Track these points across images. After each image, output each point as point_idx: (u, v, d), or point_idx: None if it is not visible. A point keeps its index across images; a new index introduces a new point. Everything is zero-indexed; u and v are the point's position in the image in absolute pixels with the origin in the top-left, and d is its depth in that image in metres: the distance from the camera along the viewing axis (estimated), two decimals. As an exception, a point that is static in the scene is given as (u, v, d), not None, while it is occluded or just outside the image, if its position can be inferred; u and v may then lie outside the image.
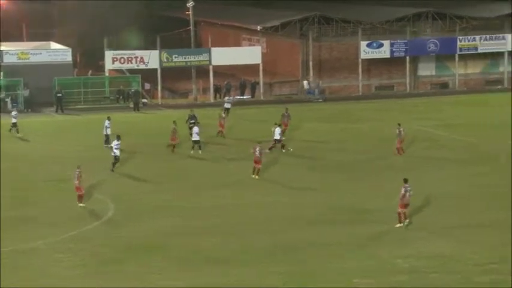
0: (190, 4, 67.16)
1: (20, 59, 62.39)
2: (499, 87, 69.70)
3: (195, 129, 44.38)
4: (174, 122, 45.76)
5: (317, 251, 27.27)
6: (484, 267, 25.25)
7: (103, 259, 26.88)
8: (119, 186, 37.31)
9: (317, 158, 42.64)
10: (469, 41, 68.79)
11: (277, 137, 43.65)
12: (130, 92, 63.10)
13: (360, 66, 66.89)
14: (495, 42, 69.15)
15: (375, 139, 47.53)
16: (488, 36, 69.15)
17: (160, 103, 64.25)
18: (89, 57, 73.80)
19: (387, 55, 67.57)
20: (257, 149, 37.72)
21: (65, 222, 31.15)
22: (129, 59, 63.98)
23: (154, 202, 34.37)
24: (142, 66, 64.43)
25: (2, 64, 61.66)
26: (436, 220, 30.53)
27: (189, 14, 68.30)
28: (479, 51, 69.15)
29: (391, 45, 67.42)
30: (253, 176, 37.81)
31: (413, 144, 45.17)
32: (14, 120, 50.16)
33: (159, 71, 64.46)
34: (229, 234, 29.55)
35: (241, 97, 65.68)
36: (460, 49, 68.67)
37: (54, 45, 68.42)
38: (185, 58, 65.46)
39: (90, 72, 69.93)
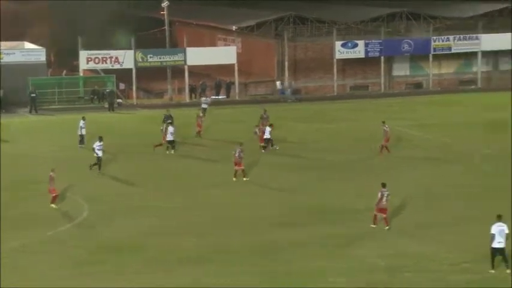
0: (165, 4, 66.97)
1: (-7, 59, 61.88)
2: (473, 87, 70.27)
3: (170, 129, 44.29)
4: (164, 120, 45.70)
5: (293, 251, 27.31)
6: (458, 267, 25.42)
7: (77, 260, 26.70)
8: (95, 187, 37.09)
9: (295, 158, 42.66)
10: (443, 41, 69.28)
11: (267, 136, 43.72)
12: (105, 92, 62.79)
13: (335, 66, 67.10)
14: (469, 43, 69.70)
15: (351, 139, 47.71)
16: (462, 36, 69.68)
17: (135, 103, 64.00)
18: (63, 57, 73.30)
19: (362, 55, 67.85)
20: (237, 150, 37.57)
21: (39, 224, 30.91)
22: (104, 59, 63.68)
23: (131, 203, 34.22)
24: (117, 66, 64.15)
25: (-25, 64, 61.16)
26: (412, 219, 30.71)
27: (164, 14, 68.10)
28: (453, 51, 69.66)
29: (366, 45, 67.71)
30: (234, 178, 37.42)
31: (388, 144, 45.37)
32: (-13, 121, 49.76)
33: (134, 71, 64.20)
34: (206, 234, 29.51)
35: (217, 97, 65.61)
36: (434, 49, 69.13)
37: (28, 45, 67.90)
38: (160, 58, 65.27)
39: (64, 72, 69.51)
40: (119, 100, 63.67)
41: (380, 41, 67.99)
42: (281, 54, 67.64)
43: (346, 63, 68.43)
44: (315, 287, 24.19)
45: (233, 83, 66.60)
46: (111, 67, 64.14)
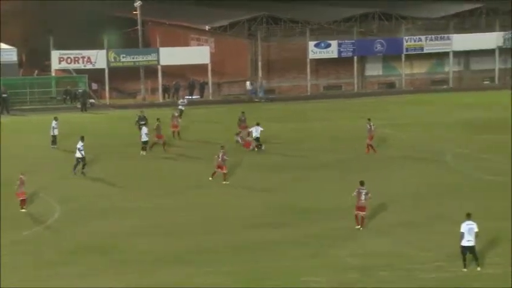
0: (137, 4, 66.74)
1: (-37, 59, 61.28)
2: (445, 86, 70.83)
3: (144, 129, 44.13)
4: (158, 119, 45.54)
5: (266, 251, 27.34)
6: (431, 265, 25.60)
7: (47, 262, 26.50)
8: (68, 187, 36.83)
9: (274, 158, 42.66)
10: (415, 41, 69.74)
11: (257, 134, 43.87)
12: (78, 92, 62.43)
13: (308, 66, 67.29)
14: (440, 43, 70.24)
15: (326, 138, 47.81)
16: (433, 36, 70.20)
17: (108, 103, 63.69)
18: (34, 57, 72.74)
19: (335, 55, 68.11)
20: (220, 154, 37.30)
21: (11, 226, 30.61)
22: (76, 58, 63.32)
23: (108, 203, 34.01)
24: (89, 66, 63.82)
25: None
26: (385, 219, 30.85)
27: (136, 14, 67.85)
28: (425, 51, 70.17)
29: (339, 45, 67.99)
30: (210, 178, 37.08)
31: (362, 143, 45.58)
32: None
33: (106, 71, 63.89)
34: (178, 234, 29.43)
35: (190, 97, 65.53)
36: (407, 49, 69.57)
37: (-1, 45, 67.37)
38: (133, 58, 65.03)
39: (36, 72, 68.96)
40: (92, 100, 63.33)
41: (353, 41, 68.30)
42: (254, 54, 67.71)
43: (319, 63, 68.65)
44: (288, 286, 24.23)
45: (207, 83, 66.52)
46: (83, 67, 63.78)
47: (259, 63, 67.20)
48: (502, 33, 70.82)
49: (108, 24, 76.79)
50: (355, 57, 68.62)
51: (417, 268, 25.33)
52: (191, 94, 66.48)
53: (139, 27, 67.90)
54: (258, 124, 44.69)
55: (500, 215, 30.72)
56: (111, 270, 25.77)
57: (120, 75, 67.44)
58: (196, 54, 67.33)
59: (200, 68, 66.53)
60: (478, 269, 24.87)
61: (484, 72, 72.65)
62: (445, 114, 56.01)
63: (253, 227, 30.13)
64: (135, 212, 32.66)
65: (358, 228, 29.17)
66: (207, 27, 70.19)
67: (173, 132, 47.85)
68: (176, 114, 49.00)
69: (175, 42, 72.67)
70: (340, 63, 69.10)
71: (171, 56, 65.16)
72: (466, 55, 72.28)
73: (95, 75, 65.20)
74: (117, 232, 29.78)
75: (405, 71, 70.36)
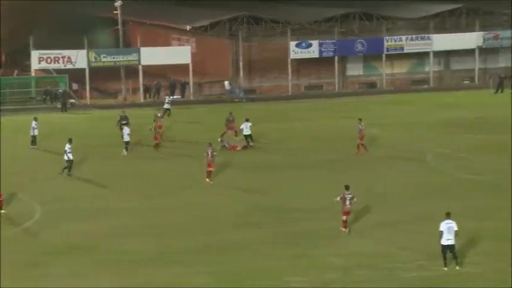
0: (118, 3, 66.52)
1: None
2: (425, 86, 71.17)
3: (126, 129, 43.97)
4: (155, 119, 45.54)
5: (250, 251, 27.34)
6: (412, 264, 25.70)
7: (26, 262, 26.32)
8: (49, 188, 36.61)
9: (256, 158, 42.64)
10: (395, 41, 70.01)
11: (247, 131, 43.94)
12: (58, 92, 62.11)
13: (290, 66, 67.37)
14: (421, 43, 70.57)
15: (308, 138, 47.83)
16: (414, 36, 70.51)
17: (88, 103, 63.43)
18: (14, 57, 72.27)
19: (316, 55, 68.24)
20: (209, 151, 37.18)
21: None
22: (56, 58, 63.02)
23: (86, 204, 33.85)
24: (69, 66, 63.54)
25: None
26: (367, 219, 30.91)
27: (117, 14, 67.62)
28: (406, 51, 70.45)
29: (320, 45, 68.12)
30: (208, 180, 36.79)
31: (344, 143, 45.76)
32: None
33: (87, 71, 63.62)
34: (160, 235, 29.34)
35: (172, 97, 65.33)
36: (387, 49, 69.82)
37: (-22, 45, 66.91)
38: (114, 58, 64.81)
39: (16, 72, 68.51)
40: (72, 100, 63.04)
41: (334, 41, 68.46)
42: (235, 54, 67.70)
43: (300, 63, 68.74)
44: (270, 286, 24.23)
45: (188, 83, 66.44)
46: (63, 67, 63.47)
47: (241, 63, 67.19)
48: (481, 33, 71.29)
49: (88, 24, 76.50)
50: (336, 57, 68.78)
51: (398, 267, 25.42)
52: (172, 94, 66.28)
53: (119, 27, 67.68)
54: (247, 120, 44.63)
55: (481, 214, 30.93)
56: (93, 270, 25.64)
57: (101, 75, 67.17)
58: (177, 54, 67.22)
59: (181, 68, 66.41)
60: (457, 268, 25.00)
61: (464, 72, 73.08)
62: (425, 114, 56.27)
63: (238, 227, 30.09)
64: (118, 213, 32.51)
65: (346, 232, 28.91)
66: (188, 27, 70.08)
67: (158, 133, 47.52)
68: (159, 114, 48.72)
69: (156, 42, 72.49)
70: (321, 63, 69.23)
71: (152, 55, 65.01)
72: (446, 55, 72.67)
73: (76, 75, 64.90)
74: (101, 233, 29.65)
75: (386, 70, 70.62)
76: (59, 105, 60.86)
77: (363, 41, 69.53)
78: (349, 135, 47.45)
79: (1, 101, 61.25)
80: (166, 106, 55.06)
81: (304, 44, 67.86)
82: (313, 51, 67.96)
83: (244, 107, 60.98)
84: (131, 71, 65.88)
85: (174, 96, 65.78)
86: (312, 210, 32.07)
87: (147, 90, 65.98)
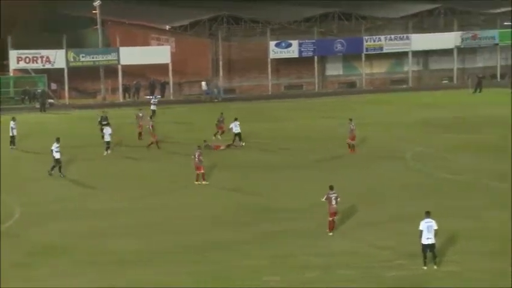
0: (97, 3, 66.25)
1: None
2: (404, 86, 71.52)
3: (108, 130, 43.84)
4: (151, 117, 45.43)
5: (229, 250, 27.33)
6: (392, 263, 25.80)
7: (6, 263, 26.16)
8: (28, 189, 36.39)
9: (245, 157, 42.62)
10: (374, 41, 70.31)
11: (237, 130, 44.17)
12: (37, 92, 61.77)
13: (269, 65, 67.43)
14: (400, 42, 70.92)
15: (289, 138, 47.84)
16: (393, 36, 70.84)
17: (67, 103, 63.13)
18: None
19: (296, 55, 68.38)
20: (196, 154, 37.00)
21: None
22: (35, 58, 62.68)
23: (66, 204, 33.66)
24: (48, 66, 63.20)
25: None
26: (348, 218, 30.99)
27: (96, 13, 67.34)
28: (385, 51, 70.77)
29: (300, 45, 68.27)
30: (198, 182, 36.52)
31: (325, 142, 45.91)
32: None
33: (65, 71, 63.30)
34: (140, 235, 29.26)
35: (151, 97, 65.16)
36: (367, 49, 70.10)
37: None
38: (93, 58, 64.56)
39: (-7, 72, 68.10)
40: (51, 100, 62.73)
41: (313, 40, 68.62)
42: (215, 53, 67.67)
43: (280, 62, 68.84)
44: (250, 286, 24.25)
45: (167, 83, 66.30)
46: (42, 67, 63.13)
47: (220, 63, 67.17)
48: (459, 33, 71.79)
49: (67, 23, 76.16)
50: (316, 57, 68.95)
51: (378, 266, 25.50)
52: (152, 94, 66.11)
53: (98, 26, 67.40)
54: (236, 119, 44.83)
55: (460, 214, 31.11)
56: (73, 271, 25.53)
57: (80, 75, 66.87)
58: (156, 53, 67.09)
59: (161, 68, 66.26)
60: (435, 267, 25.14)
61: (442, 72, 73.59)
62: (404, 114, 56.55)
63: (219, 227, 30.07)
64: (99, 213, 32.38)
65: (330, 234, 28.71)
66: (167, 27, 69.93)
67: (140, 133, 47.31)
68: (140, 114, 48.33)
69: (136, 41, 72.29)
70: (301, 63, 69.37)
71: (131, 55, 64.82)
72: (424, 55, 73.10)
73: (54, 75, 64.56)
74: (82, 233, 29.51)
75: (365, 70, 70.90)
76: (37, 105, 60.51)
77: (342, 40, 69.75)
78: (331, 135, 47.74)
79: (-21, 101, 60.94)
80: (152, 107, 54.88)
81: (283, 44, 67.97)
82: (292, 51, 68.09)
83: (224, 107, 60.93)
84: (110, 71, 65.64)
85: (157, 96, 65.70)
86: (295, 210, 32.08)
87: (126, 90, 65.79)
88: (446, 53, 72.07)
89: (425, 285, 24.16)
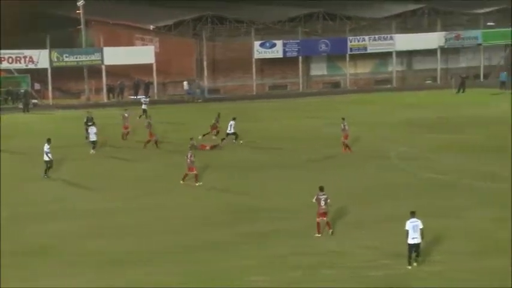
0: (80, 3, 66.01)
1: None
2: (388, 86, 71.77)
3: (93, 129, 43.78)
4: (149, 117, 45.20)
5: (216, 251, 27.33)
6: (376, 263, 25.90)
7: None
8: (12, 190, 36.15)
9: (228, 158, 42.61)
10: (358, 41, 70.48)
11: (230, 130, 44.37)
12: (20, 93, 61.46)
13: (254, 66, 67.45)
14: (383, 43, 71.12)
15: (276, 138, 47.81)
16: (377, 36, 71.04)
17: (51, 103, 62.86)
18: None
19: (280, 55, 68.44)
20: (189, 155, 36.91)
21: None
22: (18, 58, 62.35)
23: (53, 206, 33.52)
24: (31, 66, 62.90)
25: None
26: (333, 218, 31.02)
27: (79, 13, 67.09)
28: (369, 51, 70.95)
29: (284, 45, 68.33)
30: (183, 182, 36.54)
31: (311, 142, 45.98)
32: None
33: (49, 71, 63.03)
34: (130, 235, 29.21)
35: (135, 97, 65.13)
36: (351, 49, 70.25)
37: None
38: (76, 58, 64.30)
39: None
40: (34, 101, 62.44)
41: (298, 41, 68.71)
42: (200, 53, 67.60)
43: (264, 62, 68.88)
44: (236, 286, 24.27)
45: (151, 83, 66.19)
46: (25, 67, 62.82)
47: (205, 63, 67.12)
48: (443, 33, 72.11)
49: (51, 23, 75.83)
50: (300, 57, 69.04)
51: (363, 266, 25.60)
52: (136, 94, 66.10)
53: (82, 26, 67.15)
54: (234, 119, 45.13)
55: (444, 214, 31.26)
56: (60, 271, 25.46)
57: (64, 75, 66.59)
58: (140, 53, 66.94)
59: (145, 68, 66.12)
60: (415, 264, 25.27)
61: (426, 72, 73.89)
62: (388, 114, 56.73)
63: (207, 227, 30.06)
64: (86, 214, 32.28)
65: (318, 236, 28.68)
66: (151, 27, 69.76)
67: (123, 133, 47.17)
68: (126, 115, 48.16)
69: (120, 41, 72.08)
70: (285, 63, 69.43)
71: (115, 55, 64.63)
72: (408, 55, 73.37)
73: (38, 75, 64.25)
74: (69, 234, 29.42)
75: (349, 70, 71.06)
76: (20, 106, 60.21)
77: (326, 41, 69.87)
78: (316, 135, 47.88)
79: (-38, 102, 60.57)
80: (143, 107, 54.81)
81: (268, 44, 68.01)
82: (277, 51, 68.14)
83: (210, 108, 60.90)
84: (94, 71, 65.43)
85: (138, 96, 65.51)
86: (284, 210, 32.11)
87: (110, 90, 65.59)
88: (429, 53, 72.39)
89: (408, 285, 24.26)
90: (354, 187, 35.94)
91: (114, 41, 69.87)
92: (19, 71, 64.06)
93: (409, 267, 25.30)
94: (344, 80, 71.62)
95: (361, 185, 36.43)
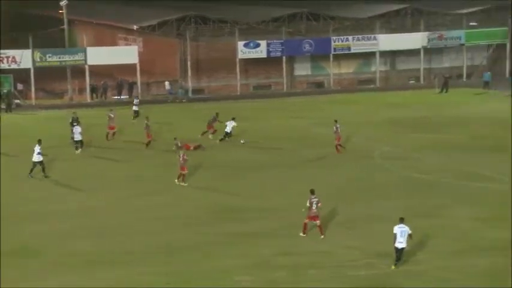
0: (63, 3, 65.70)
1: None
2: (372, 86, 71.93)
3: (78, 129, 43.64)
4: (147, 117, 45.08)
5: (199, 250, 27.32)
6: (360, 262, 25.97)
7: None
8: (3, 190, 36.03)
9: (215, 158, 42.54)
10: (342, 41, 70.56)
11: (228, 129, 44.67)
12: (2, 93, 61.08)
13: (238, 66, 67.43)
14: (367, 43, 71.24)
15: (263, 138, 47.80)
16: (360, 36, 71.18)
17: (34, 104, 62.53)
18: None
19: (264, 55, 68.41)
20: (181, 154, 36.72)
21: None
22: (0, 59, 61.92)
23: (33, 206, 33.34)
24: (14, 66, 62.52)
25: None
26: (321, 218, 31.09)
27: (62, 13, 66.79)
28: (352, 51, 71.08)
29: (268, 45, 68.32)
30: (177, 181, 36.44)
31: (295, 142, 46.00)
32: None
33: (32, 71, 62.70)
34: (111, 236, 29.13)
35: (119, 97, 64.87)
36: (334, 49, 70.35)
37: None
38: (60, 58, 63.97)
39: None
40: (17, 101, 62.07)
41: (281, 41, 68.73)
42: (183, 53, 67.47)
43: (248, 63, 68.84)
44: (220, 286, 24.25)
45: (135, 83, 65.99)
46: (8, 67, 62.43)
47: (189, 63, 67.00)
48: (426, 33, 72.35)
49: (33, 23, 75.42)
50: (284, 57, 69.07)
51: (347, 266, 25.67)
52: (119, 94, 65.88)
53: (65, 26, 66.84)
54: (233, 119, 45.28)
55: (427, 213, 31.40)
56: (44, 272, 25.34)
57: (47, 75, 66.25)
58: (124, 53, 66.68)
59: (128, 68, 65.92)
60: (392, 267, 25.37)
61: (409, 72, 74.10)
62: (372, 114, 56.86)
63: (190, 227, 30.02)
64: (70, 214, 32.15)
65: (303, 235, 28.69)
66: (135, 27, 69.53)
67: (107, 133, 46.95)
68: (112, 115, 47.86)
69: (103, 41, 71.80)
70: (269, 63, 69.43)
71: (98, 55, 64.36)
72: (392, 55, 73.55)
73: (21, 75, 63.89)
74: (52, 234, 29.30)
75: (333, 70, 71.16)
76: (3, 106, 59.85)
77: (310, 41, 69.94)
78: (302, 135, 47.93)
79: None
80: (134, 108, 54.59)
81: (252, 44, 67.98)
82: (261, 51, 68.13)
83: (194, 108, 60.85)
84: (77, 71, 65.14)
85: (122, 96, 65.33)
86: (270, 209, 32.11)
87: (93, 90, 65.33)
88: (413, 53, 72.62)
89: (392, 284, 24.36)
90: (337, 187, 35.88)
91: (98, 41, 69.61)
92: (1, 71, 63.57)
93: (393, 267, 25.41)
94: (328, 80, 71.71)
95: (345, 184, 36.46)
